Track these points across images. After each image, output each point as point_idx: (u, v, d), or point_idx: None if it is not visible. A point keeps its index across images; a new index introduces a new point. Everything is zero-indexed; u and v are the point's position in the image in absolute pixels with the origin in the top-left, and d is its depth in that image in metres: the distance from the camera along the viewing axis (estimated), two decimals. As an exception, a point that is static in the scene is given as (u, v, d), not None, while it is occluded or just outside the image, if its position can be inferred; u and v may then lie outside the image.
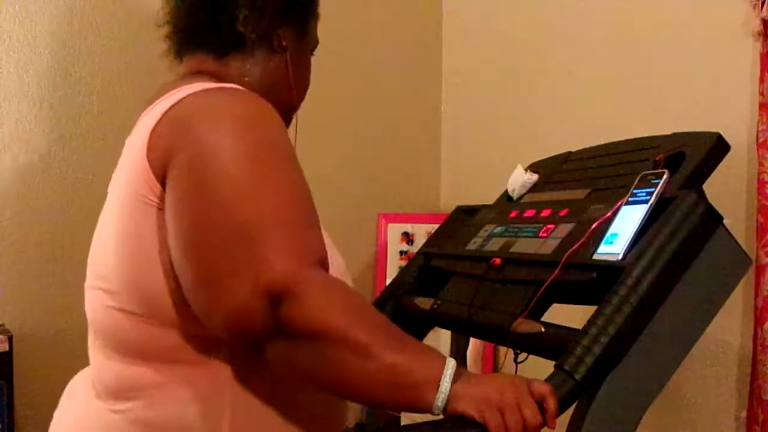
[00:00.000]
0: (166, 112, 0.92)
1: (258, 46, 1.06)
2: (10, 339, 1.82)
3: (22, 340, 1.90)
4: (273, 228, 0.85)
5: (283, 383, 0.97)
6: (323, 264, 0.89)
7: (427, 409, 0.86)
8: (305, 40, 1.14)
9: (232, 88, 0.96)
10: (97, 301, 0.98)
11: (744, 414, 1.62)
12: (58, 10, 2.03)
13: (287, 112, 1.12)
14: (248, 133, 0.89)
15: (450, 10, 2.66)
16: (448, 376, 0.85)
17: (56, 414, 1.07)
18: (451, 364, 0.86)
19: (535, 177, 1.50)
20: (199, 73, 1.04)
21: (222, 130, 0.88)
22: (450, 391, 0.85)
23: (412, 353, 0.86)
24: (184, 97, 0.93)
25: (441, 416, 0.87)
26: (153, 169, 0.90)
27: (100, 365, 1.00)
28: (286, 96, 1.10)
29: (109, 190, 1.04)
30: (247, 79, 1.05)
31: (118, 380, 0.96)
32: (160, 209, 0.90)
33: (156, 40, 1.15)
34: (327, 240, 1.00)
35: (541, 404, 0.88)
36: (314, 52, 1.18)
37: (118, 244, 0.94)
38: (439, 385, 0.84)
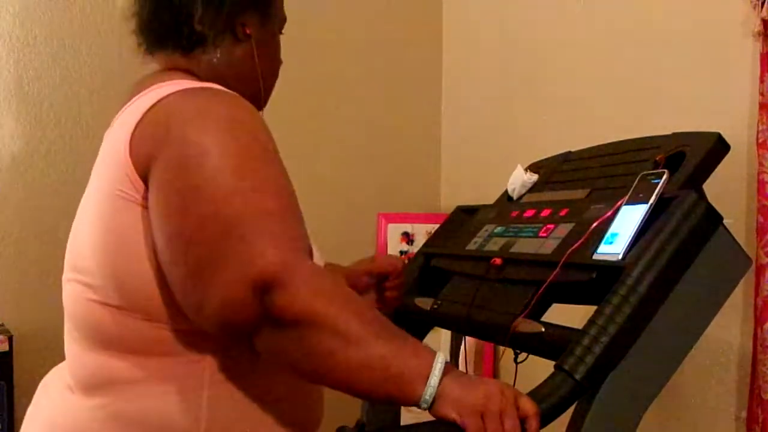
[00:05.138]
0: (148, 110, 0.93)
1: (221, 39, 1.06)
2: (10, 339, 1.82)
3: (22, 340, 1.90)
4: (260, 220, 0.86)
5: (261, 378, 0.97)
6: (309, 254, 0.90)
7: (414, 403, 0.85)
8: (270, 22, 1.13)
9: (214, 89, 0.97)
10: (77, 294, 0.98)
11: (744, 414, 1.62)
12: (57, 9, 2.03)
13: (263, 96, 1.13)
14: (233, 133, 0.90)
15: (450, 10, 2.66)
16: (437, 371, 0.85)
17: (30, 410, 1.06)
18: (440, 359, 0.86)
19: (535, 177, 1.50)
20: (173, 69, 1.05)
21: (208, 130, 0.89)
22: (438, 387, 0.84)
23: (401, 345, 0.86)
24: (166, 96, 0.94)
25: (428, 411, 0.87)
26: (136, 166, 0.91)
27: (78, 358, 0.99)
28: (255, 81, 1.10)
29: (88, 185, 1.04)
30: (217, 72, 1.06)
31: (96, 373, 0.96)
32: (144, 207, 0.91)
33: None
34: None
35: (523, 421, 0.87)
36: (282, 31, 1.17)
37: (98, 239, 0.94)
38: (427, 380, 0.84)
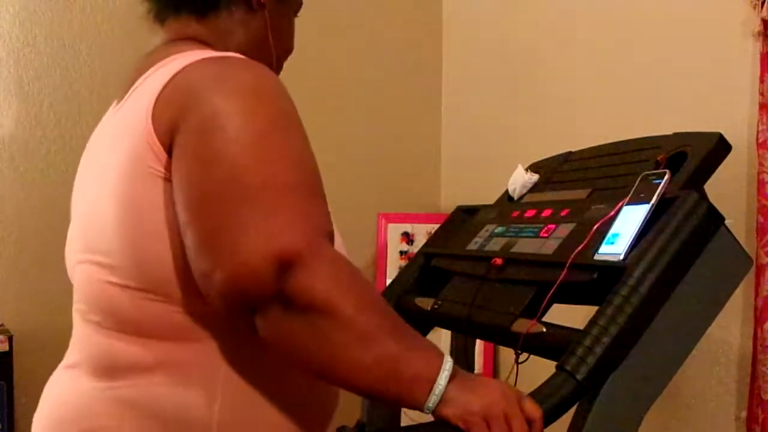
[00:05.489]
0: (169, 81, 0.90)
1: (235, 5, 1.05)
2: (10, 339, 1.82)
3: (22, 340, 1.90)
4: (287, 193, 0.84)
5: (276, 368, 0.95)
6: (331, 237, 0.88)
7: (417, 406, 0.84)
8: (286, 1, 1.12)
9: (237, 57, 0.95)
10: (92, 275, 0.95)
11: (744, 414, 1.62)
12: (57, 10, 2.03)
13: (274, 70, 1.11)
14: (258, 100, 0.89)
15: (450, 10, 2.66)
16: (444, 377, 0.84)
17: (42, 397, 1.04)
18: (448, 364, 0.85)
19: (535, 177, 1.50)
20: (186, 39, 1.03)
21: (232, 96, 0.87)
22: (444, 392, 0.83)
23: (413, 346, 0.85)
24: (186, 66, 0.91)
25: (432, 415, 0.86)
26: (159, 137, 0.88)
27: (89, 339, 0.97)
28: (268, 57, 1.09)
29: (90, 161, 1.02)
30: (230, 41, 1.05)
31: (108, 355, 0.94)
32: (166, 179, 0.88)
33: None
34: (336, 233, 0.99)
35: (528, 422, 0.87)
36: (297, 14, 1.16)
37: (117, 216, 0.91)
38: (433, 385, 0.83)
